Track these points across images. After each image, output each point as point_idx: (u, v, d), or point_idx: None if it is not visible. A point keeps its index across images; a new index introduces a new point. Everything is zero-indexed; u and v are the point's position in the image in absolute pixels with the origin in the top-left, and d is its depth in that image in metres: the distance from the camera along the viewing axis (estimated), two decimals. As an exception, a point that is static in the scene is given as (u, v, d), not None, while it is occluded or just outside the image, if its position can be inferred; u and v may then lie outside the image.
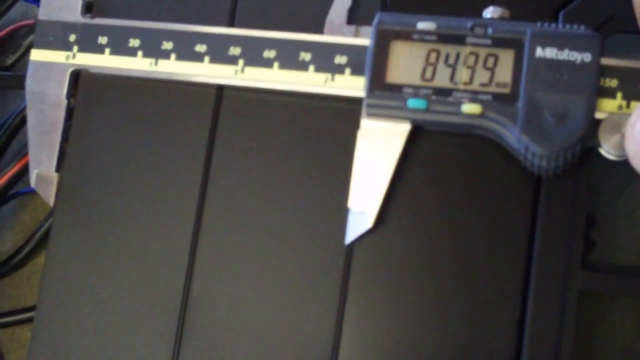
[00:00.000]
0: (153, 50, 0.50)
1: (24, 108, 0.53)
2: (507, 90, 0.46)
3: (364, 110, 0.47)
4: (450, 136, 0.48)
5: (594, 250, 0.52)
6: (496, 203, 0.48)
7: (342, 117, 0.48)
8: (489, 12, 0.47)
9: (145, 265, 0.49)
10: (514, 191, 0.48)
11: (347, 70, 0.48)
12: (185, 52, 0.50)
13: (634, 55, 0.46)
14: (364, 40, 0.48)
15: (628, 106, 0.46)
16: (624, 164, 0.45)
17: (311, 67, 0.49)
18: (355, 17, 0.50)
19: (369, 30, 0.48)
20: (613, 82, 0.46)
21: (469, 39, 0.47)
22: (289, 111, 0.50)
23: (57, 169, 0.51)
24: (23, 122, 0.55)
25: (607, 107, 0.46)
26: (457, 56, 0.47)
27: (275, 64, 0.49)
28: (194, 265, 0.49)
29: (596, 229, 0.52)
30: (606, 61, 0.46)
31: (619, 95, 0.46)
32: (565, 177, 0.47)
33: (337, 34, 0.49)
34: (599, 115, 0.46)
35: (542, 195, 0.48)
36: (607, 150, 0.45)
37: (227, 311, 0.48)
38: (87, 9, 0.52)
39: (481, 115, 0.46)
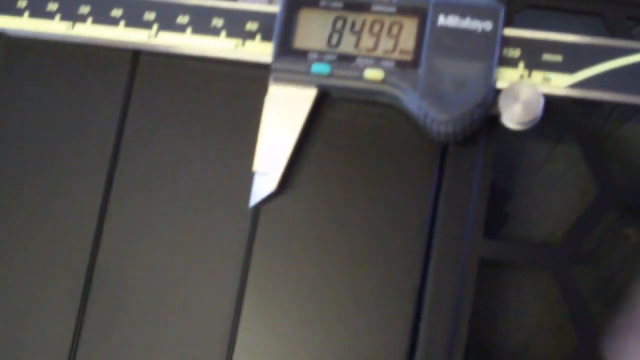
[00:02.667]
0: (70, 14, 0.51)
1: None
2: (409, 57, 0.47)
3: (271, 75, 0.48)
4: (358, 104, 0.49)
5: (507, 225, 0.53)
6: (401, 171, 0.49)
7: (252, 83, 0.49)
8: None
9: (54, 224, 0.50)
10: (419, 160, 0.48)
11: (258, 37, 0.49)
12: (102, 16, 0.50)
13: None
14: (275, 7, 0.49)
15: (529, 76, 0.46)
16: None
17: (223, 33, 0.49)
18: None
19: (281, -3, 0.49)
20: (515, 52, 0.47)
21: (375, 7, 0.48)
22: (201, 76, 0.50)
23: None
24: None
25: (509, 76, 0.46)
26: (363, 23, 0.48)
27: (188, 30, 0.50)
28: (102, 226, 0.49)
29: (511, 204, 0.53)
30: (509, 32, 0.47)
31: (521, 65, 0.47)
32: (470, 146, 0.48)
33: (250, 1, 0.50)
34: (501, 84, 0.46)
35: (447, 164, 0.48)
36: (507, 119, 0.46)
37: (134, 271, 0.49)
38: (7, -27, 0.53)
39: (383, 81, 0.47)
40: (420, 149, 0.48)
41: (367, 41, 0.47)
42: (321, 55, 0.47)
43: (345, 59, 0.47)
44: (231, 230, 0.48)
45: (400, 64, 0.46)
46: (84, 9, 0.51)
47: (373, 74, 0.47)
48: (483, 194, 0.48)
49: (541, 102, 0.44)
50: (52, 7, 0.51)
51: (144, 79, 0.51)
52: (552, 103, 0.46)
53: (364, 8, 0.48)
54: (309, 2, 0.48)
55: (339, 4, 0.48)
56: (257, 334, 0.47)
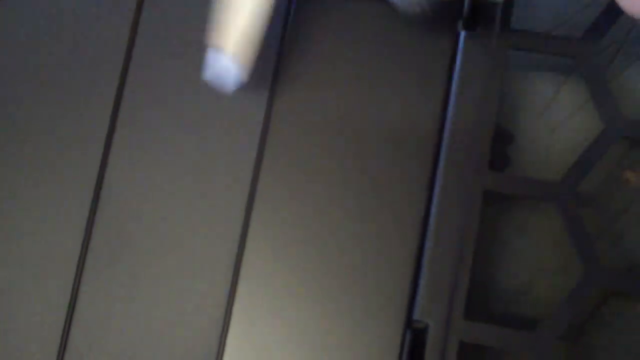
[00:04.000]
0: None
1: None
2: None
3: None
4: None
5: (510, 168, 0.52)
6: (407, 86, 0.49)
7: None
8: None
9: (61, 153, 0.50)
10: (427, 77, 0.48)
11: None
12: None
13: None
14: None
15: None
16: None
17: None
18: None
19: None
20: None
21: None
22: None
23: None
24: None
25: None
26: None
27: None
28: (107, 159, 0.49)
29: (514, 146, 0.53)
30: None
31: None
32: (476, 87, 0.48)
33: None
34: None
35: (454, 92, 0.48)
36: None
37: (138, 208, 0.49)
38: None
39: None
40: (428, 65, 0.48)
41: None
42: None
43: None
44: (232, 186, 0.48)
45: None
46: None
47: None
48: (489, 124, 0.48)
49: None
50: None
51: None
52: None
53: None
54: None
55: None
56: (256, 288, 0.47)
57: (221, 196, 0.48)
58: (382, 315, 0.46)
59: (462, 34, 0.49)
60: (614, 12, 0.49)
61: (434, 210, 0.47)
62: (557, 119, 0.53)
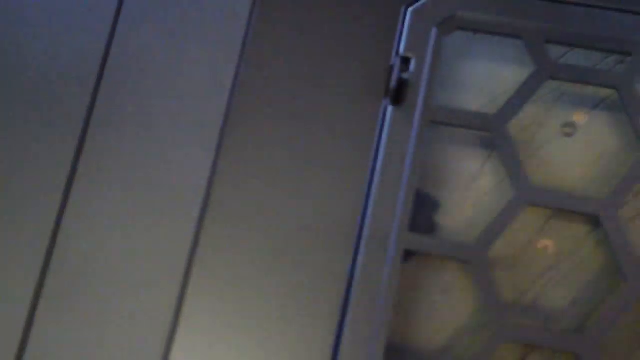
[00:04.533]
0: None
1: None
2: None
3: None
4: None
5: (435, 234, 0.56)
6: (334, 158, 0.53)
7: None
8: None
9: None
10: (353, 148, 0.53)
11: None
12: None
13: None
14: None
15: None
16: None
17: None
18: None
19: None
20: None
21: None
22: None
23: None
24: None
25: None
26: None
27: None
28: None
29: (441, 214, 0.57)
30: None
31: None
32: (400, 157, 0.52)
33: None
34: None
35: (380, 157, 0.53)
36: None
37: (91, 269, 0.52)
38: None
39: None
40: (356, 135, 0.52)
41: None
42: None
43: None
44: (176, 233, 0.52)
45: None
46: None
47: None
48: (411, 191, 0.52)
49: None
50: None
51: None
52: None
53: None
54: None
55: None
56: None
57: (167, 241, 0.52)
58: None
59: (389, 108, 0.54)
60: (528, 92, 0.54)
61: (357, 268, 0.50)
62: (483, 189, 0.56)
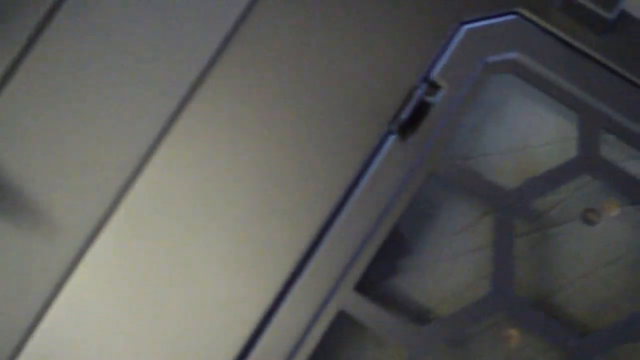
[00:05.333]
0: None
1: None
2: None
3: None
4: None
5: (394, 278, 0.49)
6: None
7: None
8: None
9: None
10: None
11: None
12: None
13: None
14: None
15: None
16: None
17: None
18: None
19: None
20: None
21: None
22: None
23: None
24: None
25: None
26: None
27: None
28: None
29: (409, 259, 0.50)
30: None
31: None
32: (381, 194, 0.44)
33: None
34: None
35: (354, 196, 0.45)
36: None
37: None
38: None
39: None
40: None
41: None
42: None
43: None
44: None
45: None
46: None
47: None
48: (372, 245, 0.45)
49: None
50: None
51: None
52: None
53: None
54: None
55: None
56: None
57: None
58: None
59: (392, 136, 0.45)
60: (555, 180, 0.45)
61: (281, 310, 0.45)
62: (462, 249, 0.49)
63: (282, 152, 0.45)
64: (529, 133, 0.50)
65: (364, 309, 0.44)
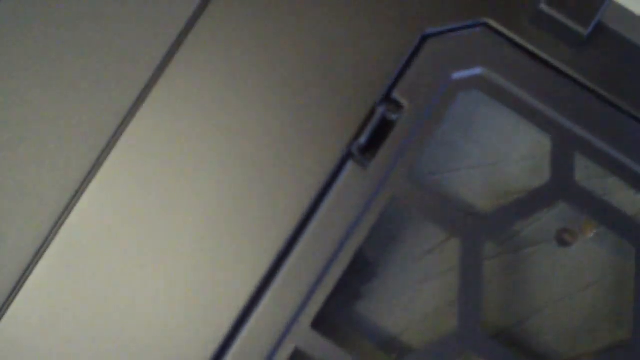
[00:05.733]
0: None
1: None
2: None
3: None
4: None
5: (356, 303, 0.47)
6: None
7: None
8: None
9: None
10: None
11: None
12: None
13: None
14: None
15: None
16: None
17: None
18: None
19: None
20: None
21: None
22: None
23: None
24: None
25: None
26: None
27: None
28: None
29: (373, 282, 0.47)
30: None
31: None
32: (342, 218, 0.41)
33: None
34: None
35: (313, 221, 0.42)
36: None
37: None
38: None
39: None
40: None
41: None
42: None
43: None
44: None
45: None
46: None
47: None
48: (331, 277, 0.42)
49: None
50: None
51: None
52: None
53: None
54: None
55: None
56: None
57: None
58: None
59: (349, 162, 0.42)
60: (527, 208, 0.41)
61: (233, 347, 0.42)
62: (429, 273, 0.46)
63: (234, 178, 0.42)
64: (499, 147, 0.46)
65: (321, 348, 0.41)
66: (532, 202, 0.40)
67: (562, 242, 0.45)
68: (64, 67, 0.43)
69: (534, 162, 0.46)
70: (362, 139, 0.41)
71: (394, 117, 0.41)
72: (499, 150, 0.46)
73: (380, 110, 0.41)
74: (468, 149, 0.46)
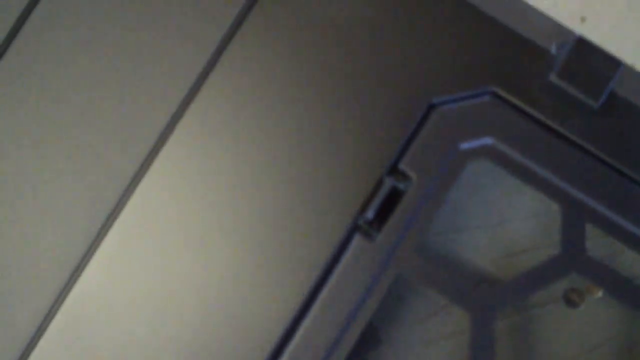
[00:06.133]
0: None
1: None
2: None
3: None
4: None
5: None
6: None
7: None
8: None
9: None
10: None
11: None
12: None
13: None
14: None
15: None
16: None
17: None
18: None
19: None
20: None
21: None
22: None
23: None
24: None
25: None
26: None
27: None
28: None
29: (379, 351, 0.46)
30: None
31: None
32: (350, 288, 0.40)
33: None
34: None
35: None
36: None
37: None
38: None
39: None
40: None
41: None
42: None
43: None
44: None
45: None
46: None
47: None
48: (340, 354, 0.41)
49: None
50: None
51: None
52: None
53: None
54: None
55: None
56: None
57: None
58: None
59: (356, 235, 0.41)
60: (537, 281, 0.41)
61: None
62: (435, 335, 0.46)
63: (238, 254, 0.41)
64: (505, 207, 0.45)
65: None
66: (544, 275, 0.39)
67: (570, 303, 0.44)
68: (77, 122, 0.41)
69: (538, 220, 0.46)
70: (370, 213, 0.40)
71: (401, 187, 0.40)
72: (503, 209, 0.46)
73: (388, 182, 0.40)
74: (473, 208, 0.46)
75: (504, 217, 0.45)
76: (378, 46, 0.41)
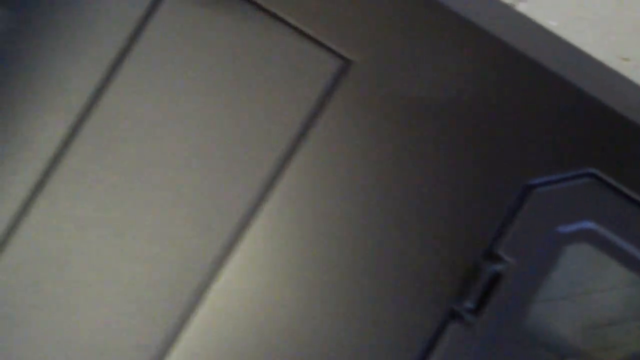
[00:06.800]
0: None
1: None
2: None
3: None
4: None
5: None
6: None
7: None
8: None
9: None
10: None
11: None
12: None
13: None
14: None
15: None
16: None
17: None
18: None
19: None
20: None
21: None
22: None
23: None
24: None
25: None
26: None
27: None
28: None
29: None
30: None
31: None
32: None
33: None
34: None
35: None
36: None
37: None
38: None
39: None
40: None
41: None
42: None
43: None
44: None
45: None
46: None
47: None
48: None
49: None
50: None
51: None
52: None
53: None
54: None
55: None
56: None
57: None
58: None
59: (454, 322, 0.40)
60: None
61: None
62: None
63: (332, 333, 0.40)
64: (590, 277, 0.45)
65: None
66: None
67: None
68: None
69: (623, 291, 0.45)
70: (470, 303, 0.39)
71: (499, 272, 0.39)
72: (588, 279, 0.45)
73: (488, 269, 0.39)
74: (558, 278, 0.45)
75: (589, 287, 0.45)
76: (474, 125, 0.39)
